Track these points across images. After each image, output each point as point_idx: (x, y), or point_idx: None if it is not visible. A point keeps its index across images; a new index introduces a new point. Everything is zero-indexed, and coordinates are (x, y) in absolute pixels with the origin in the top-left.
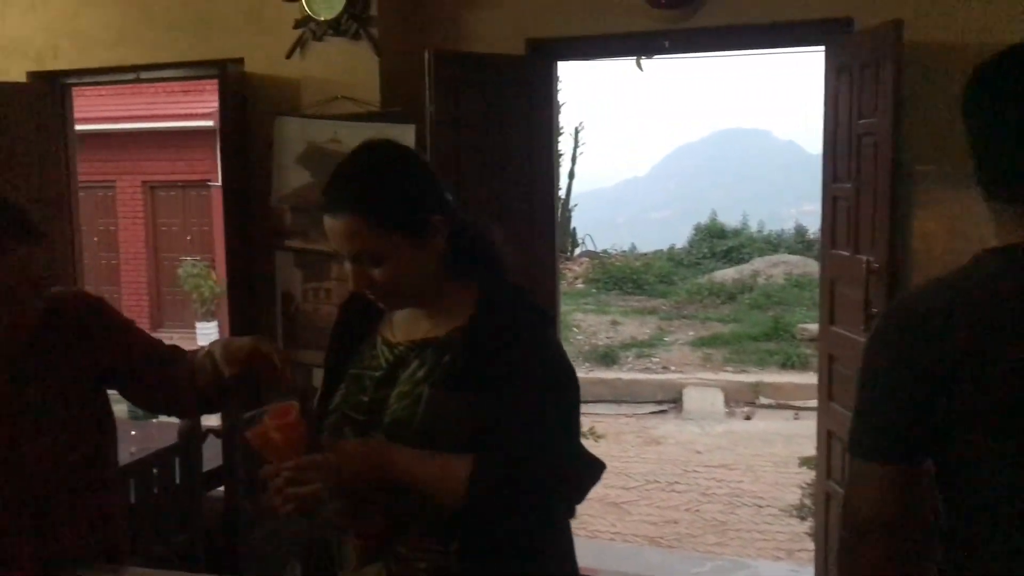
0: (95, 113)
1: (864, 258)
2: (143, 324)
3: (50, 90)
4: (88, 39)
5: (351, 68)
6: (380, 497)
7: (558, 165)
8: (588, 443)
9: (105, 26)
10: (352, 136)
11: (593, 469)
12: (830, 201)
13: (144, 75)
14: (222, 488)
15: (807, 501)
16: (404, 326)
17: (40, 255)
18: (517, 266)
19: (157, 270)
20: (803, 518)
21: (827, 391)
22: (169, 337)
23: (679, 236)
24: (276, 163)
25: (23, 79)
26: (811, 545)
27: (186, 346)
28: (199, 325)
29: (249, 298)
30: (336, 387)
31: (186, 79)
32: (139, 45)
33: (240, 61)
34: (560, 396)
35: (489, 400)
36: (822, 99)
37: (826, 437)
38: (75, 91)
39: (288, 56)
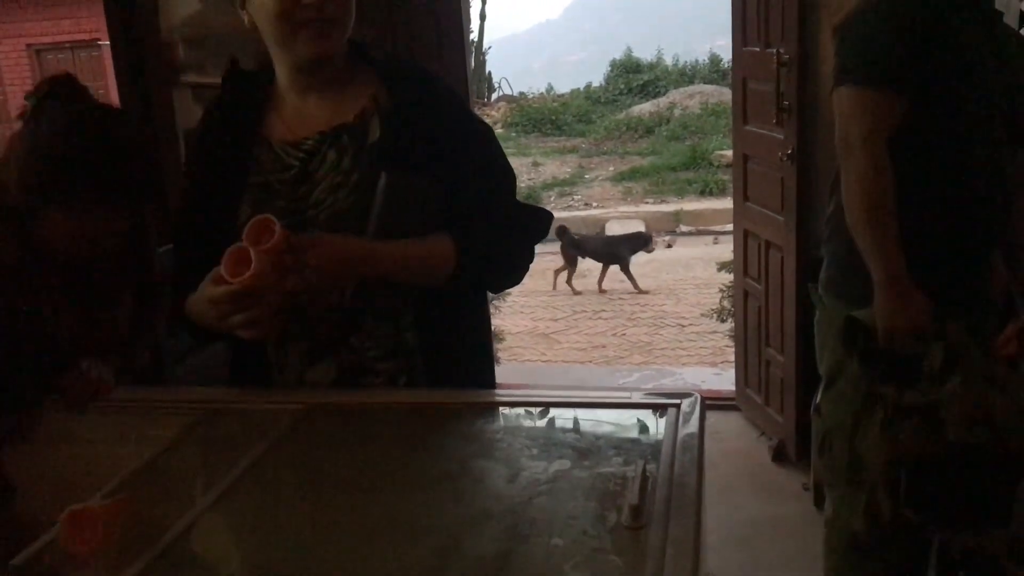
0: None
1: (775, 51)
2: None
3: None
4: None
5: None
6: (335, 294)
7: (467, 6)
8: None
9: None
10: None
11: (542, 215)
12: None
13: None
14: None
15: (726, 303)
16: (297, 122)
17: None
18: None
19: None
20: (723, 320)
21: (743, 191)
22: None
23: (596, 77)
24: None
25: None
26: (731, 354)
27: None
28: None
29: (152, 140)
30: (215, 196)
31: None
32: None
33: None
34: (500, 153)
35: (444, 172)
36: None
37: (743, 236)
38: None
39: None
